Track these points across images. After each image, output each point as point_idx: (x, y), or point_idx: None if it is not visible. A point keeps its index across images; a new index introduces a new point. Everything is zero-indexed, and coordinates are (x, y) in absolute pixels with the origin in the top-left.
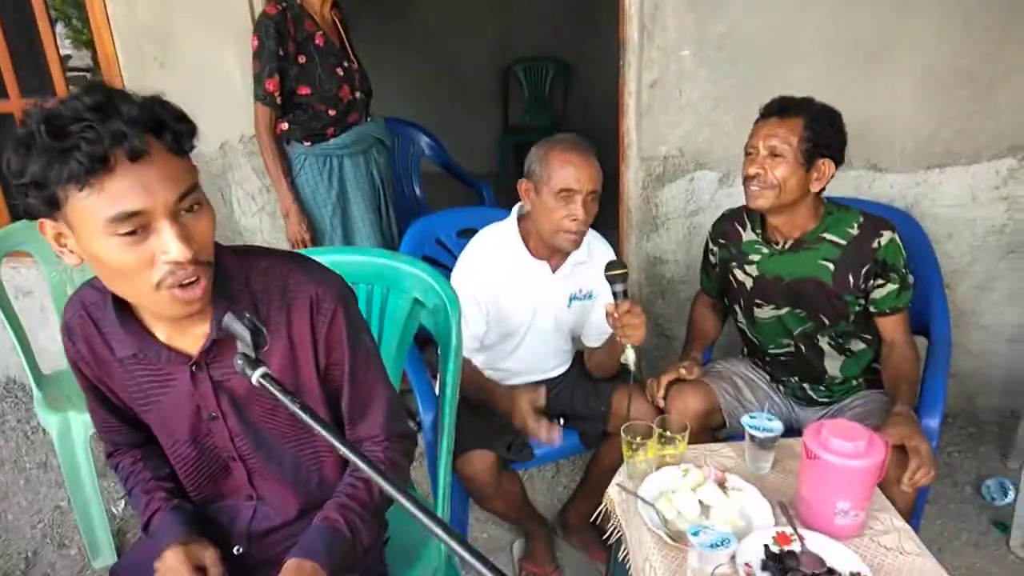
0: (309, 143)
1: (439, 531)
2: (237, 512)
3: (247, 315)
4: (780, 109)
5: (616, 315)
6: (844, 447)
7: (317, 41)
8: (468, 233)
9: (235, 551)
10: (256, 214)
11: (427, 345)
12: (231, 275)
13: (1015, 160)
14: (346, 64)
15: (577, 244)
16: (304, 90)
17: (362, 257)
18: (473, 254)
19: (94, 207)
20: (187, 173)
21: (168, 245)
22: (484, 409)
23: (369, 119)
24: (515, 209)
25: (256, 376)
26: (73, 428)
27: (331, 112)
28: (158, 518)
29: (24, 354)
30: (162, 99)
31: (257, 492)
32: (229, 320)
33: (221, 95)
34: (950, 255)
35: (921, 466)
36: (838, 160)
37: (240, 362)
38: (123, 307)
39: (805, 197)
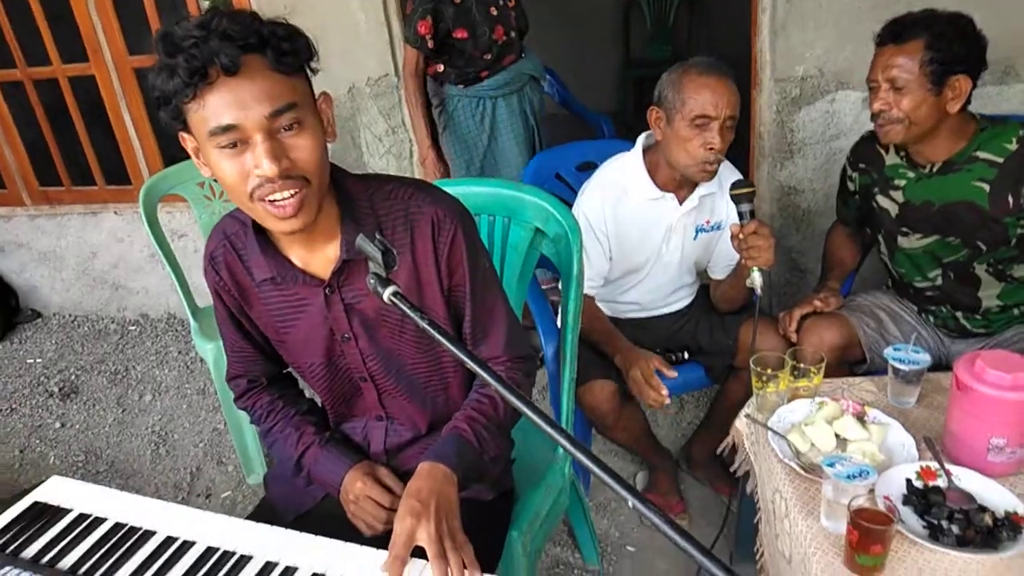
0: (463, 86)
1: (563, 440)
2: (370, 431)
3: (377, 236)
4: (895, 34)
5: (742, 236)
6: (1002, 378)
7: None
8: (588, 167)
9: None
10: (384, 155)
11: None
12: (356, 199)
13: None
14: (500, 2)
15: (712, 175)
16: (460, 33)
17: (484, 188)
18: (595, 187)
19: (200, 120)
20: (287, 90)
21: (259, 159)
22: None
23: (523, 56)
24: (640, 140)
25: (387, 294)
26: (210, 355)
27: (486, 56)
28: (313, 452)
29: (181, 290)
30: (273, 19)
31: (387, 411)
32: (361, 241)
33: (348, 39)
34: None
35: None
36: (976, 72)
37: (372, 281)
38: (262, 233)
39: (945, 119)
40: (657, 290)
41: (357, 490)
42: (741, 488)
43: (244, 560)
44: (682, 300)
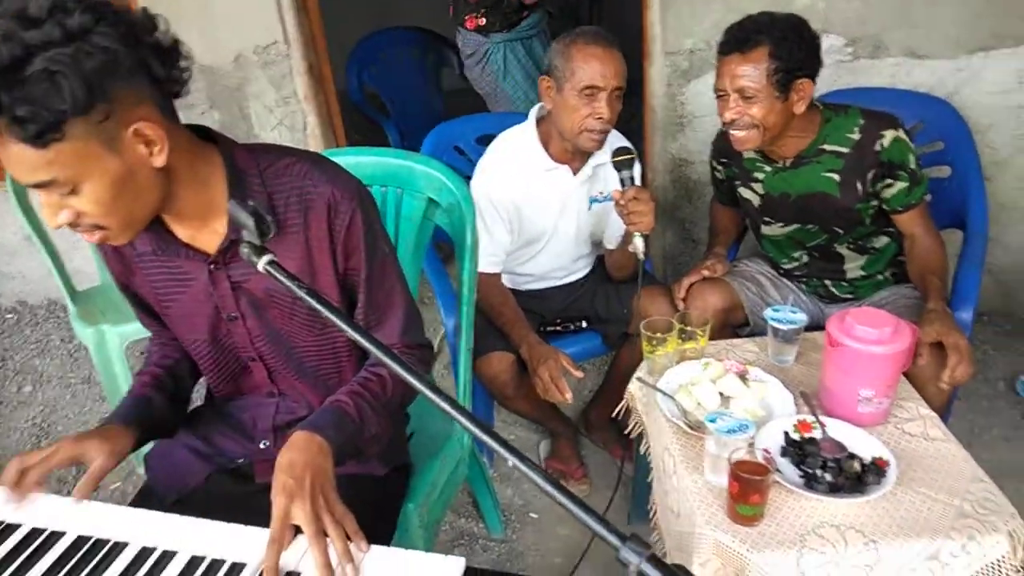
0: (507, 31)
1: (457, 414)
2: (260, 408)
3: (250, 202)
4: (740, 42)
5: (623, 202)
6: (869, 333)
7: None
8: (487, 140)
9: (261, 446)
10: (275, 128)
11: (451, 259)
12: (246, 173)
13: None
14: None
15: (601, 144)
16: None
17: (375, 158)
18: (491, 160)
19: None
20: (41, 165)
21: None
22: None
23: None
24: (533, 111)
25: (262, 263)
26: (108, 339)
27: None
28: (124, 400)
29: (59, 273)
30: (24, 77)
31: (279, 389)
32: (232, 208)
33: (233, 4)
34: (991, 145)
35: (960, 362)
36: (815, 74)
37: (246, 250)
38: None
39: (792, 119)
40: (555, 260)
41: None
42: (635, 449)
43: (119, 548)
44: (580, 271)
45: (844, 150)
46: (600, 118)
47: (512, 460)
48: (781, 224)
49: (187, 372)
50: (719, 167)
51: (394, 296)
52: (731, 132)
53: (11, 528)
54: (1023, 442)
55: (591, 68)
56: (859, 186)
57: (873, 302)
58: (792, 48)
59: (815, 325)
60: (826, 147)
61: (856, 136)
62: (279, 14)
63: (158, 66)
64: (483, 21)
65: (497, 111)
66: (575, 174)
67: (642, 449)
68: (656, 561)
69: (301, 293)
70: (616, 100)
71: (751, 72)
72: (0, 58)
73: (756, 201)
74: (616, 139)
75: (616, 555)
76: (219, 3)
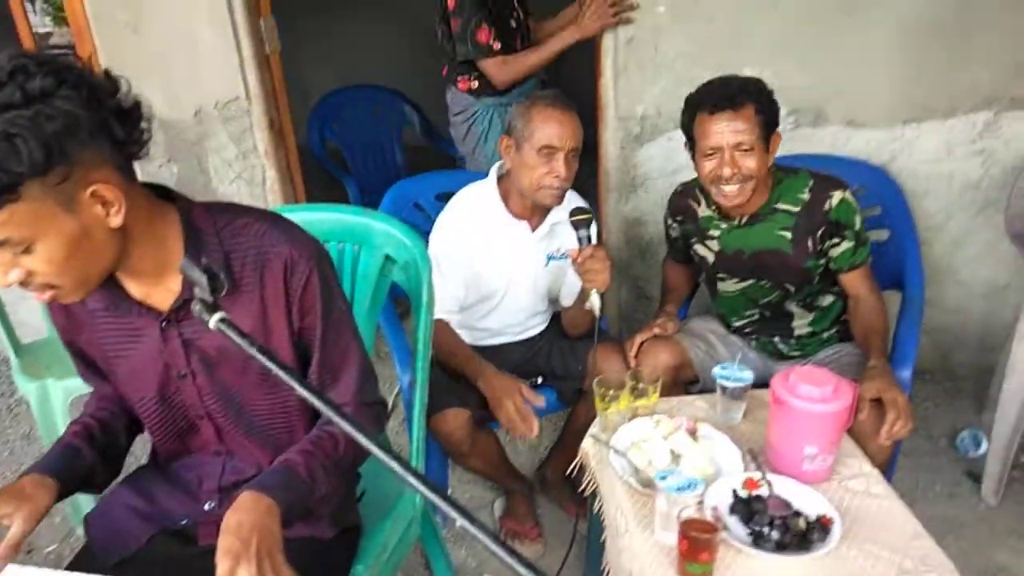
0: (498, 95)
1: (407, 475)
2: (206, 468)
3: (204, 260)
4: (730, 100)
5: (579, 260)
6: (811, 392)
7: None
8: (447, 197)
9: (206, 507)
10: (234, 181)
11: (407, 315)
12: (203, 232)
13: (991, 113)
14: (517, 14)
15: (558, 199)
16: (496, 45)
17: (332, 214)
18: (451, 214)
19: None
20: None
21: None
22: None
23: None
24: (494, 169)
25: (214, 321)
26: (51, 394)
27: None
28: (52, 448)
29: (2, 324)
30: None
31: (226, 448)
32: (185, 265)
33: (193, 60)
34: (927, 211)
35: (899, 418)
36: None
37: (197, 307)
38: None
39: (768, 172)
40: (511, 316)
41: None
42: (590, 507)
43: None
44: (536, 327)
45: (795, 209)
46: (557, 176)
47: (461, 521)
48: (736, 280)
49: (122, 428)
50: (674, 224)
51: (349, 355)
52: (723, 188)
53: None
54: (964, 498)
55: (549, 129)
56: (810, 244)
57: (819, 360)
58: (770, 103)
59: (763, 383)
60: (779, 206)
61: (806, 196)
62: (241, 70)
63: (119, 128)
64: (475, 84)
65: (474, 171)
66: (533, 230)
67: (595, 507)
68: None
69: (253, 351)
70: (573, 160)
71: (744, 126)
72: None
73: (711, 258)
74: (574, 199)
75: None
76: (181, 58)
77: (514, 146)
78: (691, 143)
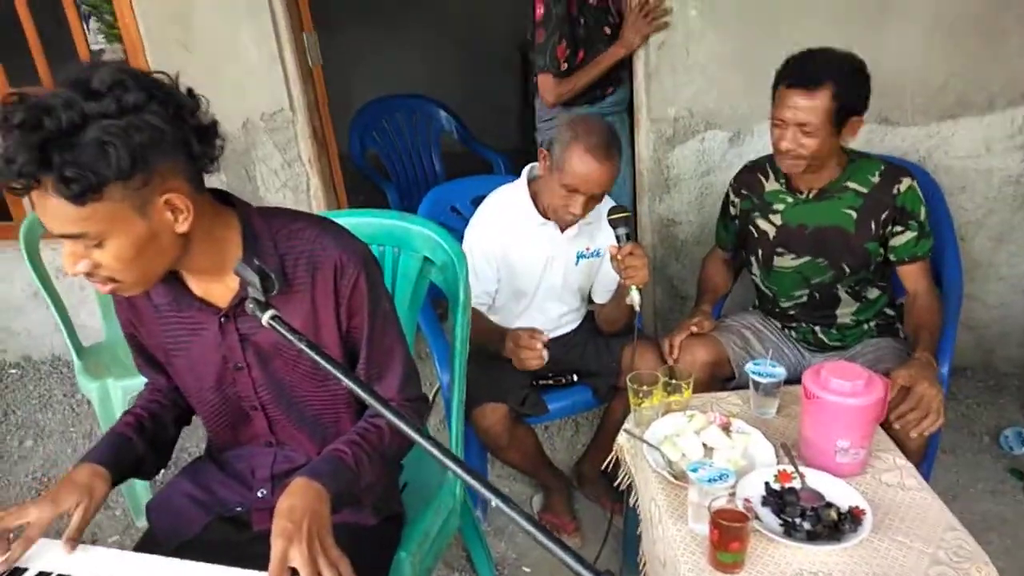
0: (589, 104)
1: (449, 462)
2: (258, 458)
3: (256, 262)
4: (805, 79)
5: (619, 257)
6: (842, 386)
7: (591, 0)
8: (482, 201)
9: (259, 494)
10: (280, 189)
11: (447, 316)
12: (259, 236)
13: None
14: (610, 20)
15: (571, 225)
16: (582, 54)
17: (373, 219)
18: (484, 213)
19: None
20: (76, 220)
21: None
22: (496, 361)
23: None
24: (526, 170)
25: (266, 318)
26: (112, 394)
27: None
28: (104, 437)
29: (65, 328)
30: (78, 142)
31: (277, 439)
32: (240, 267)
33: (240, 74)
34: (964, 207)
35: (920, 410)
36: (865, 111)
37: (251, 305)
38: None
39: (834, 152)
40: (545, 314)
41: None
42: (625, 502)
43: None
44: (569, 324)
45: (864, 190)
46: (572, 214)
47: (495, 501)
48: (794, 256)
49: (171, 419)
50: (736, 199)
51: (394, 353)
52: (783, 160)
53: (19, 572)
54: (1008, 496)
55: (579, 173)
56: (873, 226)
57: (856, 352)
58: (852, 88)
59: (797, 378)
60: (849, 184)
61: (876, 179)
62: (286, 83)
63: (196, 144)
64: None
65: None
66: (562, 230)
67: (631, 501)
68: None
69: (302, 346)
70: (594, 200)
71: (813, 108)
72: (59, 122)
73: (772, 232)
74: (608, 201)
75: None
76: (229, 73)
77: (549, 163)
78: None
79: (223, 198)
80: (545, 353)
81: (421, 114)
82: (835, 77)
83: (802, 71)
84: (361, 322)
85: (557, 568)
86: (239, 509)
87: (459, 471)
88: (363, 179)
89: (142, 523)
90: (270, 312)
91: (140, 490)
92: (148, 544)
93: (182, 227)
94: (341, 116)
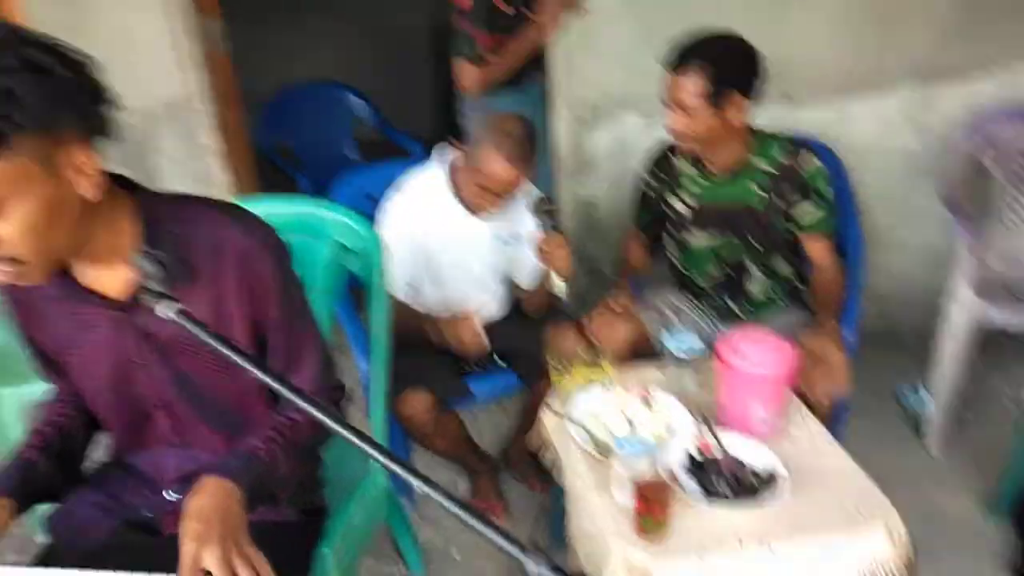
0: (515, 92)
1: (369, 448)
2: (165, 459)
3: (157, 252)
4: (680, 60)
5: (543, 246)
6: (755, 355)
7: None
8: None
9: (168, 497)
10: (184, 181)
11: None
12: (159, 221)
13: (922, 85)
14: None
15: (488, 211)
16: (504, 43)
17: (284, 206)
18: (400, 199)
19: None
20: None
21: None
22: (419, 349)
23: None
24: (440, 155)
25: (170, 312)
26: (5, 402)
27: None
28: (6, 466)
29: None
30: None
31: (182, 439)
32: (139, 257)
33: (138, 60)
34: (866, 182)
35: (827, 375)
36: (750, 90)
37: (152, 299)
38: None
39: (731, 132)
40: (467, 299)
41: None
42: (552, 479)
43: None
44: (493, 309)
45: (771, 168)
46: (488, 204)
47: (418, 483)
48: (707, 235)
49: (80, 430)
50: (651, 181)
51: (308, 341)
52: (675, 139)
53: None
54: (911, 451)
55: (493, 173)
56: (780, 203)
57: (769, 323)
58: (726, 66)
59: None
60: (757, 164)
61: (782, 158)
62: (188, 69)
63: (99, 107)
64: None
65: None
66: (482, 218)
67: (557, 477)
68: (557, 570)
69: (208, 339)
70: (507, 194)
71: (687, 86)
72: None
73: (686, 212)
74: (530, 186)
75: (522, 567)
76: (127, 57)
77: (464, 158)
78: None
79: (123, 183)
80: (483, 334)
81: (334, 102)
82: (707, 57)
83: (677, 54)
84: (271, 310)
85: (486, 551)
86: (148, 514)
87: (379, 456)
88: (275, 171)
89: (41, 538)
90: (174, 306)
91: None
92: (48, 558)
93: (91, 191)
94: (253, 107)
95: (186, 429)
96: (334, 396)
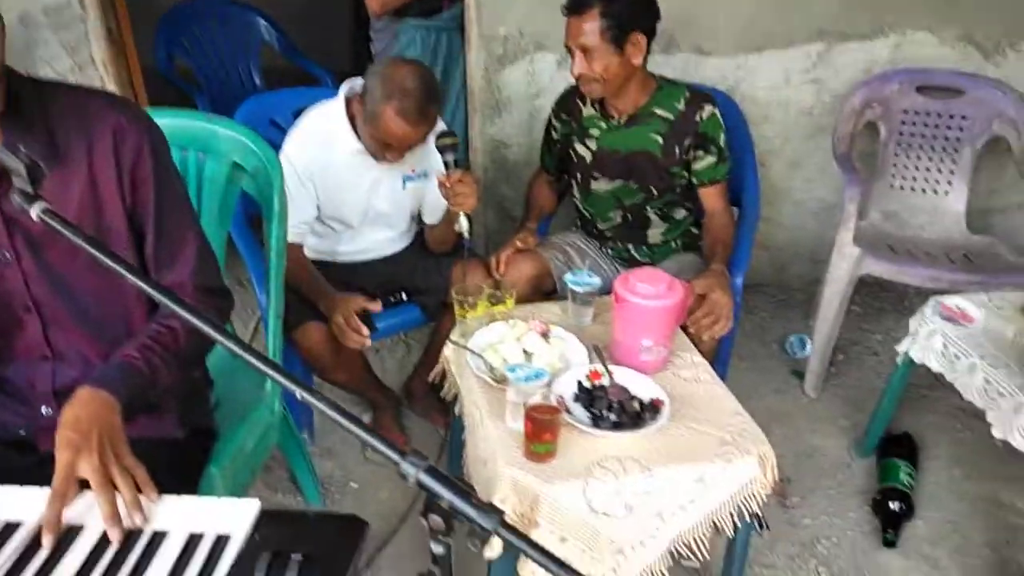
0: (423, 17)
1: (250, 357)
2: (37, 372)
3: (21, 147)
4: (575, 4)
5: (448, 184)
6: (647, 290)
7: None
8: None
9: (43, 412)
10: None
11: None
12: (24, 100)
13: (823, 44)
14: None
15: (389, 161)
16: None
17: (174, 119)
18: (301, 132)
19: None
20: None
21: None
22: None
23: None
24: (343, 90)
25: (35, 211)
26: None
27: None
28: None
29: None
30: None
31: (54, 349)
32: (1, 151)
33: None
34: (766, 136)
35: (711, 314)
36: (649, 29)
37: (17, 198)
38: None
39: (634, 73)
40: (374, 238)
41: None
42: (451, 411)
43: None
44: (398, 244)
45: (670, 116)
46: (387, 159)
47: (297, 390)
48: (608, 180)
49: None
50: (557, 124)
51: (186, 232)
52: (580, 84)
53: None
54: (790, 394)
55: (391, 133)
56: (677, 151)
57: (663, 266)
58: (622, 7)
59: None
60: (656, 111)
61: (681, 106)
62: None
63: None
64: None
65: None
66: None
67: (457, 410)
68: (434, 472)
69: (80, 242)
70: (407, 149)
71: (587, 30)
72: None
73: (589, 157)
74: (438, 127)
75: (396, 469)
76: None
77: (362, 110)
78: None
79: None
80: (367, 338)
81: (238, 23)
82: None
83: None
84: (147, 195)
85: (383, 481)
86: (21, 432)
87: (262, 366)
88: (170, 90)
89: None
90: (40, 204)
91: None
92: None
93: None
94: (146, 20)
95: (59, 338)
96: (215, 302)
